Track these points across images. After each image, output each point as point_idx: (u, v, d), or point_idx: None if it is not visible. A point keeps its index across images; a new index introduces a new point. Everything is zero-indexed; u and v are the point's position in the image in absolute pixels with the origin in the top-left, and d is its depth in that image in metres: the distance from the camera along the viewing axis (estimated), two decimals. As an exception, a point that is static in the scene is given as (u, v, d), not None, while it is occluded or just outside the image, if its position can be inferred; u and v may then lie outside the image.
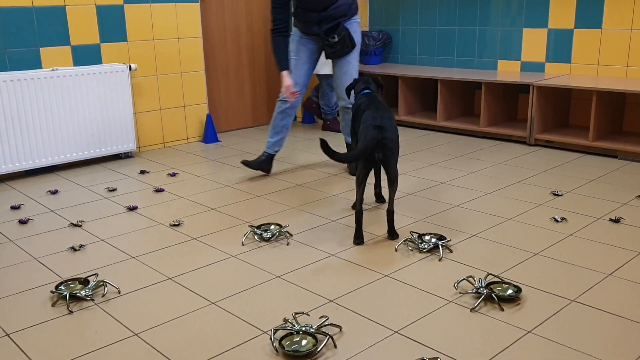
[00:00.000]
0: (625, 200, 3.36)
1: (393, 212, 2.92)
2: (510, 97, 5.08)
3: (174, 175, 4.12)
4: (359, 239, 2.88)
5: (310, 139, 5.12)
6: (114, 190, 3.82)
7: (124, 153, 4.60)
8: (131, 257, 2.80)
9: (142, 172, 4.22)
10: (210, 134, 5.05)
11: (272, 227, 3.05)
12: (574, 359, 1.93)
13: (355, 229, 2.89)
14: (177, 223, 3.20)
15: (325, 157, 4.49)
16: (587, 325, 2.12)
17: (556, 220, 3.09)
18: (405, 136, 5.05)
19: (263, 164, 4.04)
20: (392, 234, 2.93)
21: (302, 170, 4.18)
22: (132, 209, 3.46)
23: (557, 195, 3.49)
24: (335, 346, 2.03)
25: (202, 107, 5.07)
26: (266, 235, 2.95)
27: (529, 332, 2.09)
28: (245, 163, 4.03)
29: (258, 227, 3.04)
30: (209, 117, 5.05)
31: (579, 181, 3.74)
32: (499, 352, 1.97)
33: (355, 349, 2.02)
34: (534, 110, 4.56)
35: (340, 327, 2.13)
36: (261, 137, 5.22)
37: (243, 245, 2.90)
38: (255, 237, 2.97)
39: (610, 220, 3.07)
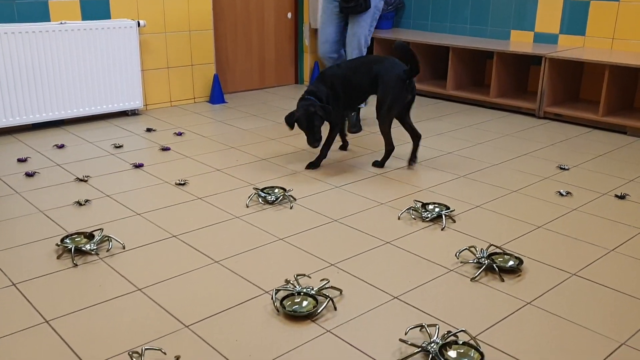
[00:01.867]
0: (631, 177, 3.35)
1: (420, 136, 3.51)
2: (522, 68, 5.01)
3: (180, 134, 4.12)
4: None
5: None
6: (121, 147, 3.82)
7: (131, 110, 4.59)
8: (136, 214, 2.82)
9: (149, 130, 4.22)
10: (217, 95, 5.02)
11: (276, 190, 3.06)
12: (572, 331, 1.95)
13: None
14: (182, 182, 3.21)
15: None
16: (586, 299, 2.14)
17: (561, 194, 3.09)
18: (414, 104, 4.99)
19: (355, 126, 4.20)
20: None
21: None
22: (138, 166, 3.46)
23: (564, 169, 3.48)
24: (335, 308, 2.05)
25: (210, 67, 5.03)
26: (270, 198, 2.96)
27: (528, 303, 2.11)
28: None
29: (262, 190, 3.05)
30: (216, 77, 5.01)
31: (586, 156, 3.72)
32: (498, 322, 1.99)
33: (354, 312, 2.04)
34: (545, 82, 4.50)
35: (340, 290, 2.15)
36: (268, 99, 5.19)
37: (247, 207, 2.91)
38: (260, 200, 2.98)
39: (616, 196, 3.06)
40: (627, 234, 2.64)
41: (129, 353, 1.76)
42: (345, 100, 3.46)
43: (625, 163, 3.58)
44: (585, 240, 2.58)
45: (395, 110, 3.40)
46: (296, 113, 3.32)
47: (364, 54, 4.07)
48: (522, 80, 5.07)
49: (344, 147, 3.81)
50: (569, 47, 4.70)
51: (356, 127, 4.18)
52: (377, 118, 3.43)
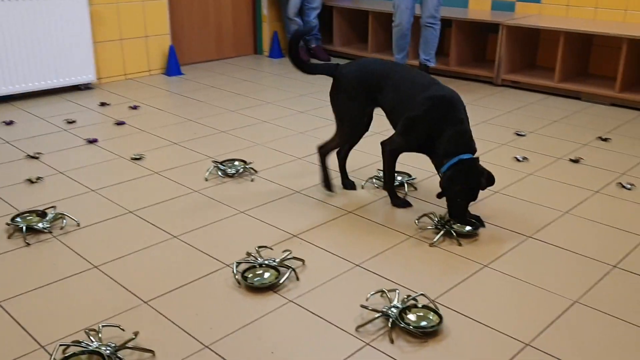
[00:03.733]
0: (585, 141, 3.42)
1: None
2: (480, 36, 5.04)
3: (135, 108, 4.01)
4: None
5: (278, 74, 5.02)
6: (73, 122, 3.70)
7: (83, 84, 4.44)
8: (91, 190, 2.75)
9: (103, 104, 4.09)
10: (173, 67, 4.90)
11: (236, 163, 3.02)
12: (527, 291, 2.00)
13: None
14: (138, 157, 3.14)
15: (293, 94, 4.43)
16: (541, 260, 2.19)
17: (518, 160, 3.14)
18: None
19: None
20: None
21: (268, 106, 4.12)
22: (92, 141, 3.37)
23: (521, 135, 3.53)
24: (297, 278, 2.05)
25: (165, 38, 4.89)
26: (230, 171, 2.92)
27: (485, 266, 2.15)
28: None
29: (222, 163, 3.00)
30: (171, 48, 4.88)
31: (542, 122, 3.78)
32: (456, 285, 2.03)
33: (317, 280, 2.05)
34: (502, 50, 4.54)
35: (303, 261, 2.15)
36: (226, 70, 5.09)
37: (206, 180, 2.87)
38: (219, 173, 2.93)
39: (570, 160, 3.13)
40: (580, 197, 2.70)
41: (85, 331, 1.73)
42: None
43: (580, 128, 3.66)
44: (540, 203, 2.64)
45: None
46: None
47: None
48: (480, 49, 5.10)
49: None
50: (525, 15, 4.74)
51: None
52: None
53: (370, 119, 2.69)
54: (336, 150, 2.78)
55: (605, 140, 3.43)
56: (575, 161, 3.11)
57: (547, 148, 3.32)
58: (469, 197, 2.35)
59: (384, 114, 2.62)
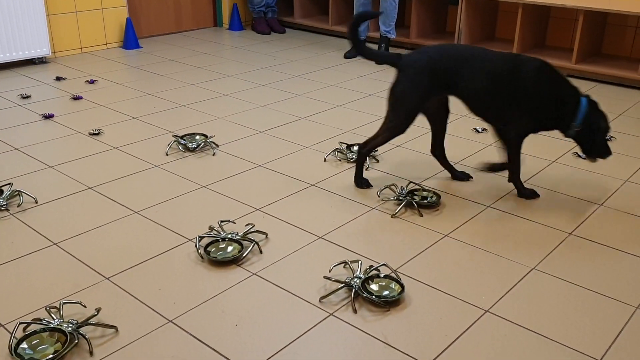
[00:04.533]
0: (542, 112, 3.49)
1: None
2: (440, 8, 5.05)
3: (92, 82, 3.91)
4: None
5: (238, 47, 4.94)
6: (28, 97, 3.59)
7: (38, 58, 4.29)
8: (48, 167, 2.68)
9: (58, 78, 3.97)
10: (130, 40, 4.77)
11: (198, 137, 2.98)
12: (486, 260, 2.05)
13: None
14: (96, 132, 3.07)
15: (253, 67, 4.38)
16: (500, 229, 2.25)
17: (477, 131, 3.19)
18: (335, 46, 4.97)
19: None
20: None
21: (229, 79, 4.07)
22: (48, 117, 3.27)
23: (480, 107, 3.58)
24: (260, 252, 2.06)
25: (122, 10, 4.75)
26: (191, 145, 2.89)
27: (445, 235, 2.19)
28: None
29: (182, 137, 2.96)
30: (129, 21, 4.75)
31: (501, 94, 3.83)
32: (417, 254, 2.07)
33: (280, 253, 2.06)
34: (462, 22, 4.57)
35: (266, 234, 2.16)
36: (186, 43, 4.99)
37: (167, 155, 2.83)
38: (180, 147, 2.90)
39: (528, 131, 3.20)
40: (537, 167, 2.77)
41: (46, 309, 1.70)
42: None
43: (537, 99, 3.73)
44: (499, 174, 2.69)
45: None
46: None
47: None
48: (441, 20, 5.12)
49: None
50: (485, -13, 4.76)
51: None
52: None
53: (447, 110, 2.57)
54: (432, 150, 2.65)
55: (561, 111, 3.50)
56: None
57: (505, 119, 3.37)
58: (608, 129, 2.39)
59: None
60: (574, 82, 3.97)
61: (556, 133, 2.45)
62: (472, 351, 1.63)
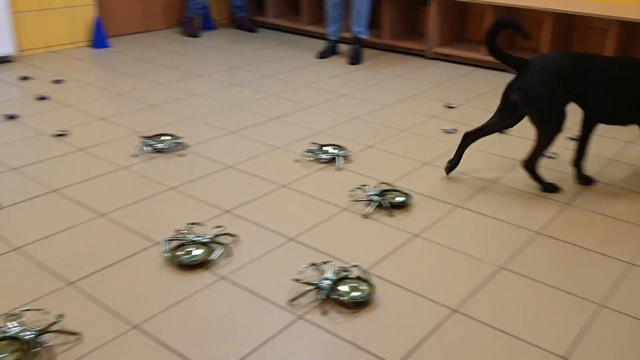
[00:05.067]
0: (512, 112, 3.53)
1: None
2: (412, 9, 5.08)
3: (59, 82, 3.82)
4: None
5: (210, 46, 4.89)
6: (-9, 97, 3.50)
7: (2, 57, 4.18)
8: (11, 169, 2.61)
9: (24, 78, 3.88)
10: (99, 39, 4.68)
11: (166, 137, 2.94)
12: (455, 258, 2.06)
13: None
14: (62, 133, 3.00)
15: (224, 67, 4.34)
16: (468, 228, 2.26)
17: (447, 132, 3.21)
18: (305, 48, 4.95)
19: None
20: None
21: (199, 79, 4.02)
22: (12, 117, 3.19)
23: (450, 107, 3.60)
24: (230, 254, 2.03)
25: (89, 9, 4.66)
26: (159, 146, 2.84)
27: (416, 235, 2.20)
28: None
29: (151, 138, 2.92)
30: (97, 20, 4.66)
31: (471, 94, 3.87)
32: (387, 255, 2.07)
33: (250, 256, 2.04)
34: (433, 23, 4.59)
35: (236, 236, 2.13)
36: (156, 42, 4.93)
37: (134, 156, 2.78)
38: (148, 149, 2.85)
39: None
40: (506, 166, 2.80)
41: (4, 316, 1.65)
42: None
43: (507, 100, 3.77)
44: (469, 173, 2.71)
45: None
46: None
47: None
48: (412, 22, 5.14)
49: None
50: (456, -12, 4.80)
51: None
52: None
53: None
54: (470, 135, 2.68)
55: (530, 111, 3.55)
56: (502, 132, 3.20)
57: (475, 119, 3.39)
58: None
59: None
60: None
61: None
62: (441, 351, 1.63)
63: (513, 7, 4.32)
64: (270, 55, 4.66)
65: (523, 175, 2.71)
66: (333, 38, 4.69)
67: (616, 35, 3.90)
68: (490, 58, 4.52)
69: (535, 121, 2.48)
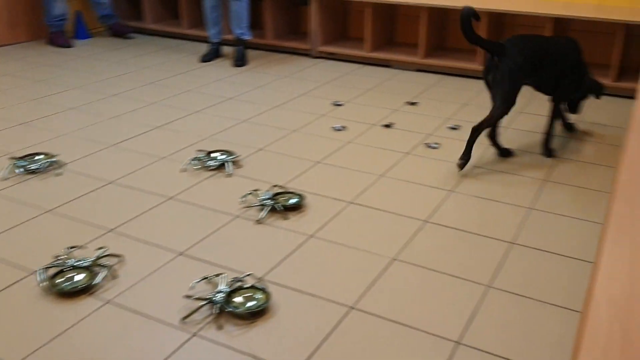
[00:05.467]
0: (396, 106, 3.63)
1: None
2: (293, 8, 5.09)
3: None
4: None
5: (85, 56, 4.62)
6: None
7: None
8: None
9: None
10: (-43, 54, 4.28)
11: (40, 157, 2.73)
12: (350, 255, 2.07)
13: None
14: None
15: (102, 77, 4.12)
16: (361, 224, 2.28)
17: (336, 129, 3.23)
18: (190, 50, 4.82)
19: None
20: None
21: (75, 92, 3.78)
22: None
23: (338, 105, 3.64)
24: (115, 276, 1.91)
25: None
26: (32, 167, 2.63)
27: (311, 236, 2.18)
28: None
29: (22, 159, 2.70)
30: (-47, 33, 4.26)
31: (357, 91, 3.93)
32: (283, 259, 2.03)
33: (137, 275, 1.93)
34: (315, 22, 4.63)
35: (121, 257, 2.01)
36: (25, 55, 4.58)
37: (4, 180, 2.56)
38: (20, 170, 2.63)
39: (384, 125, 3.30)
40: (393, 159, 2.86)
41: None
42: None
43: (391, 94, 3.87)
44: (358, 169, 2.74)
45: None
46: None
47: None
48: (296, 21, 5.15)
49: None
50: (335, -13, 4.86)
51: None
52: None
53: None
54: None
55: (413, 104, 3.66)
56: (388, 126, 3.29)
57: (362, 116, 3.46)
58: None
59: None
60: (423, 75, 4.15)
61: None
62: (339, 350, 1.62)
63: (391, 4, 4.44)
64: (150, 62, 4.49)
65: (408, 167, 2.79)
66: (215, 41, 4.60)
67: (486, 25, 4.12)
68: (374, 54, 4.65)
69: (496, 96, 2.70)
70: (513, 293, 1.88)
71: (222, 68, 4.40)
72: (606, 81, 3.64)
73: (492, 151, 2.92)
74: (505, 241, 2.17)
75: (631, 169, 1.27)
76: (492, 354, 1.62)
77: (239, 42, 4.51)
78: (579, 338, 0.80)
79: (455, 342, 1.66)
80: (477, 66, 4.19)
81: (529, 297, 1.86)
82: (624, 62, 3.90)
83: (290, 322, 1.73)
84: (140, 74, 4.17)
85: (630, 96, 3.69)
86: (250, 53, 4.69)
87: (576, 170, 2.75)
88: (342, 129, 3.24)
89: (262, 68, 4.44)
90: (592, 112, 3.49)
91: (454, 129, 3.24)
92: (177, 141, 3.03)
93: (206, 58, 4.54)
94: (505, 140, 3.00)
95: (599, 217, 2.32)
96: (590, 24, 3.91)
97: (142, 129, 3.17)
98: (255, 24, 5.35)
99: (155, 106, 3.53)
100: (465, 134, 2.74)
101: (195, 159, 2.77)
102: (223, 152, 2.84)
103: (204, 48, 4.74)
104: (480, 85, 4.05)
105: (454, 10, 4.33)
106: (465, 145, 2.70)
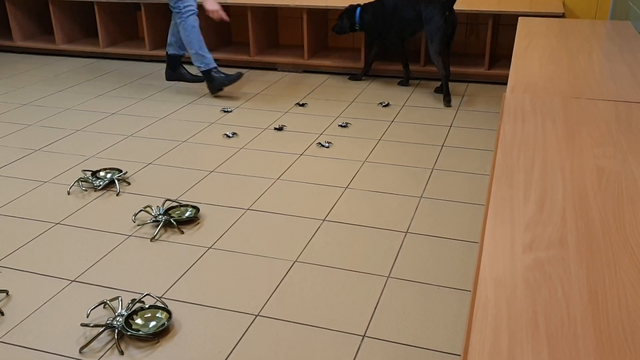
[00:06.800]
0: (286, 108, 3.65)
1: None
2: (127, 15, 5.01)
3: None
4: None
5: (-54, 80, 4.25)
6: None
7: None
8: None
9: None
10: None
11: None
12: (252, 263, 2.06)
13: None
14: None
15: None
16: (260, 229, 2.27)
17: (228, 136, 3.20)
18: (66, 67, 4.57)
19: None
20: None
21: (-62, 118, 3.46)
22: None
23: (227, 111, 3.61)
24: (1, 314, 1.78)
25: None
26: None
27: (209, 248, 2.15)
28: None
29: None
30: None
31: (246, 96, 3.91)
32: (182, 275, 1.99)
33: (27, 310, 1.80)
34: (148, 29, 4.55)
35: (6, 292, 1.87)
36: None
37: None
38: None
39: (275, 129, 3.31)
40: (288, 162, 2.88)
41: None
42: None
43: (280, 97, 3.89)
44: (254, 175, 2.74)
45: (436, 41, 3.58)
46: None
47: None
48: (131, 27, 5.07)
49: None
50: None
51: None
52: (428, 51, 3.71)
53: None
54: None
55: (302, 105, 3.70)
56: (280, 129, 3.30)
57: (253, 120, 3.45)
58: None
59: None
60: (309, 76, 4.23)
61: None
62: (249, 359, 1.61)
63: (271, 7, 4.46)
64: (24, 81, 4.21)
65: (303, 168, 2.82)
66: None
67: (306, 21, 4.26)
68: (259, 58, 4.65)
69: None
70: (411, 280, 1.95)
71: (104, 82, 4.22)
72: (481, 70, 3.89)
73: (382, 145, 3.02)
74: (399, 231, 2.25)
75: (505, 151, 1.36)
76: (395, 342, 1.68)
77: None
78: (470, 317, 0.85)
79: (361, 335, 1.70)
80: (359, 65, 4.31)
81: (425, 283, 1.94)
82: (494, 50, 4.18)
83: (196, 338, 1.69)
84: (13, 95, 3.91)
85: (503, 82, 3.97)
86: (130, 65, 4.52)
87: (459, 157, 2.91)
88: (233, 135, 3.22)
89: (145, 80, 4.30)
90: (468, 99, 3.71)
91: (344, 126, 3.31)
92: (60, 163, 2.86)
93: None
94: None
95: (483, 199, 2.47)
96: (463, 16, 4.15)
97: (20, 153, 2.97)
98: (134, 34, 5.19)
99: (32, 128, 3.32)
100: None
101: (81, 180, 2.64)
102: (110, 170, 2.72)
103: (81, 62, 4.51)
104: (367, 82, 4.18)
105: (334, 10, 4.43)
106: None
